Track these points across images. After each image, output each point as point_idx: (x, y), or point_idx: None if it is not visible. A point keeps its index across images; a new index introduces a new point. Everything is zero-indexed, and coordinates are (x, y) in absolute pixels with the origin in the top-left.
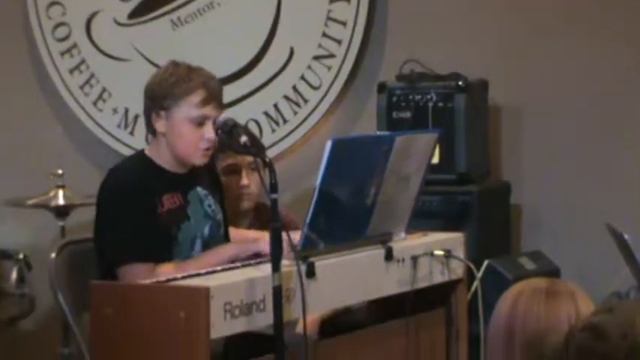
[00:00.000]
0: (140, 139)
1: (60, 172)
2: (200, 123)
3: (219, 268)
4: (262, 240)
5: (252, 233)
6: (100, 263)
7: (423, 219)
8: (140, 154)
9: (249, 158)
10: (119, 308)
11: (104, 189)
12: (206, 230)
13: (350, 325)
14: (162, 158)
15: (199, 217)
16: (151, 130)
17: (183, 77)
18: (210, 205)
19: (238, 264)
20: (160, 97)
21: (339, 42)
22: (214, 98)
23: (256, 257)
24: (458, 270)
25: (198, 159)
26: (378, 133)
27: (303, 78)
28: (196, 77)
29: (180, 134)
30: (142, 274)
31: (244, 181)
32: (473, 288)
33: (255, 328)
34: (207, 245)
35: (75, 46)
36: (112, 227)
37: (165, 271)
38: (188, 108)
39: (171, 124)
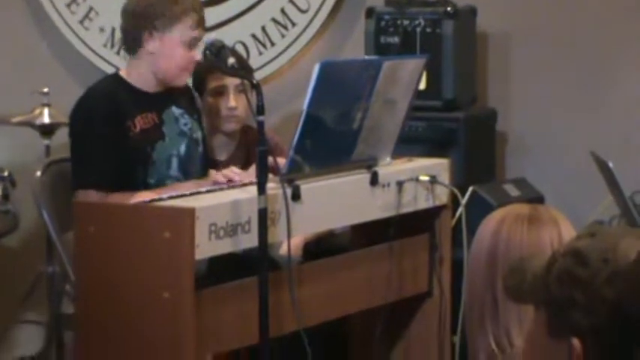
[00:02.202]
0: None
1: (45, 90)
2: (191, 45)
3: (203, 189)
4: (213, 173)
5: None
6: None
7: (408, 144)
8: (115, 76)
9: (237, 80)
10: (103, 227)
11: (74, 112)
12: (182, 148)
13: (333, 248)
14: (139, 78)
15: (174, 136)
16: (133, 48)
17: None
18: (186, 124)
19: (224, 186)
20: (152, 17)
21: None
22: (203, 20)
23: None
24: (442, 196)
25: (181, 81)
26: (366, 57)
27: (291, 1)
28: None
29: (172, 56)
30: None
31: (231, 102)
32: (457, 214)
33: (239, 249)
34: (184, 163)
35: None
36: (75, 151)
37: (117, 199)
38: (182, 30)
39: (163, 46)
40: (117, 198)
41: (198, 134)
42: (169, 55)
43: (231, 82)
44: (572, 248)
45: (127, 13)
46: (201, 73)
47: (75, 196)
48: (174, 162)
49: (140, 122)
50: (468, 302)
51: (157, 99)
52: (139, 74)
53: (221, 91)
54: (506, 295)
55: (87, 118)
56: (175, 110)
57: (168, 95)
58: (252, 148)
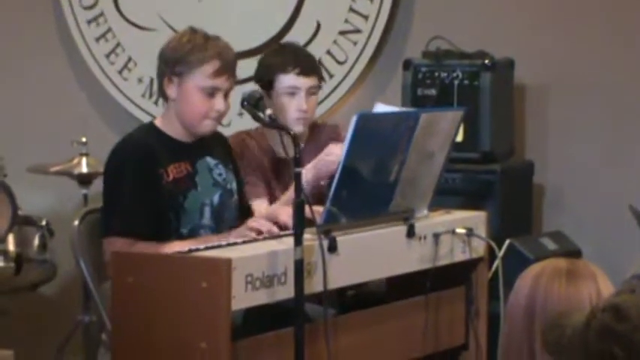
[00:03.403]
0: None
1: (84, 140)
2: (211, 93)
3: (240, 240)
4: (254, 221)
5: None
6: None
7: (445, 196)
8: (149, 125)
9: (310, 82)
10: (141, 277)
11: (108, 160)
12: (216, 198)
13: (370, 300)
14: (172, 127)
15: (208, 186)
16: (162, 94)
17: (199, 45)
18: (220, 174)
19: (260, 237)
20: (173, 62)
21: (365, 17)
22: (228, 69)
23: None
24: (479, 248)
25: (203, 128)
26: (404, 109)
27: (329, 52)
28: (212, 47)
29: (190, 102)
30: (117, 249)
31: (303, 105)
32: (494, 267)
33: (275, 300)
34: (217, 213)
35: (101, 14)
36: (106, 199)
37: (143, 248)
38: (201, 77)
39: (182, 91)
40: (142, 247)
41: (233, 185)
42: (187, 101)
43: (304, 83)
44: (612, 304)
45: (159, 58)
46: (272, 68)
47: (103, 245)
48: (207, 211)
49: (173, 171)
50: (505, 356)
51: (191, 148)
52: (171, 122)
53: (293, 92)
54: (545, 350)
55: (119, 167)
56: (210, 161)
57: (203, 145)
58: (321, 146)
